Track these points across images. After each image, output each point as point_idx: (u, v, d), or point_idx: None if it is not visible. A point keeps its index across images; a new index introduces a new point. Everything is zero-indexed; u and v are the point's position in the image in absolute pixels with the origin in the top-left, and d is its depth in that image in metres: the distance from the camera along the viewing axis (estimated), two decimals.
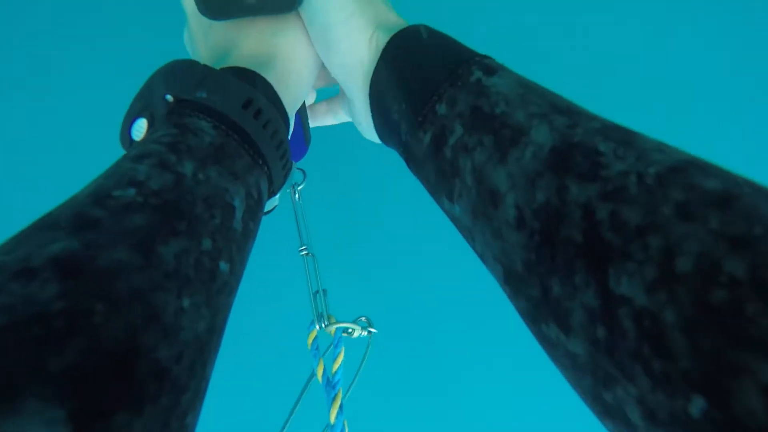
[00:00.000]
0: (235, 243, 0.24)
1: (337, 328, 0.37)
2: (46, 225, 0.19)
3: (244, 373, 0.70)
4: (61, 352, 0.16)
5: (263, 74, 0.30)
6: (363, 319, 0.39)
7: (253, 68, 0.30)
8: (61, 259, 0.17)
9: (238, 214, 0.25)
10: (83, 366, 0.16)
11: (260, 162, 0.27)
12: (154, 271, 0.19)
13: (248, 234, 0.26)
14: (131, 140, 0.28)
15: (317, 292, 0.38)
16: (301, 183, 0.41)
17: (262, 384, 0.74)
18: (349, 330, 0.38)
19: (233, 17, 0.32)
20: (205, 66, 0.28)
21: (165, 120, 0.26)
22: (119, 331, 0.17)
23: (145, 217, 0.20)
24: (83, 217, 0.19)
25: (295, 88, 0.33)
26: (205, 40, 0.33)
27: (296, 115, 0.38)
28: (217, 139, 0.25)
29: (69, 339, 0.16)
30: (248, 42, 0.32)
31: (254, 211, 0.26)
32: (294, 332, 0.43)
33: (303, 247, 0.40)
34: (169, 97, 0.27)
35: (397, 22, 0.32)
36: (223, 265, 0.23)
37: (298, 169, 0.41)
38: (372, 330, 0.39)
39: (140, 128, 0.27)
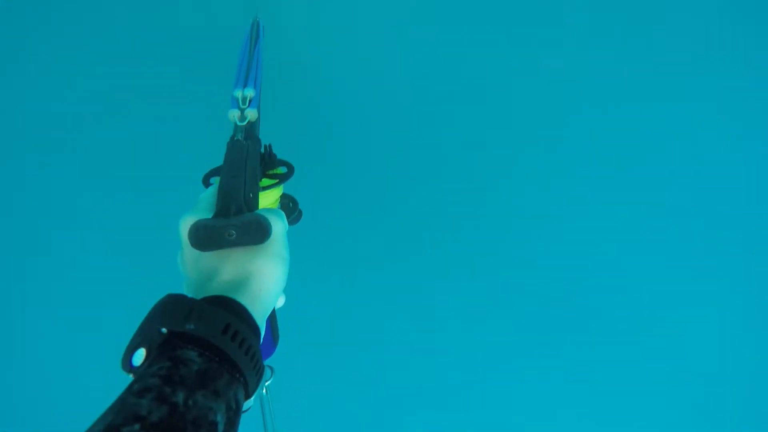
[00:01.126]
0: None
1: None
2: None
3: None
4: None
5: (238, 297, 0.37)
6: None
7: (230, 293, 0.37)
8: None
9: (220, 427, 0.30)
10: None
11: (237, 375, 0.33)
12: None
13: None
14: (131, 366, 0.34)
15: None
16: (269, 379, 0.47)
17: None
18: None
19: (217, 249, 0.40)
20: (191, 300, 0.35)
21: (161, 351, 0.32)
22: None
23: None
24: None
25: (265, 301, 0.40)
26: (195, 266, 0.41)
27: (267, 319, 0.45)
28: (203, 365, 0.32)
29: None
30: (228, 268, 0.40)
31: (233, 421, 0.32)
32: None
33: None
34: (164, 330, 0.33)
35: None
36: None
37: (266, 366, 0.47)
38: None
39: (140, 356, 0.33)
